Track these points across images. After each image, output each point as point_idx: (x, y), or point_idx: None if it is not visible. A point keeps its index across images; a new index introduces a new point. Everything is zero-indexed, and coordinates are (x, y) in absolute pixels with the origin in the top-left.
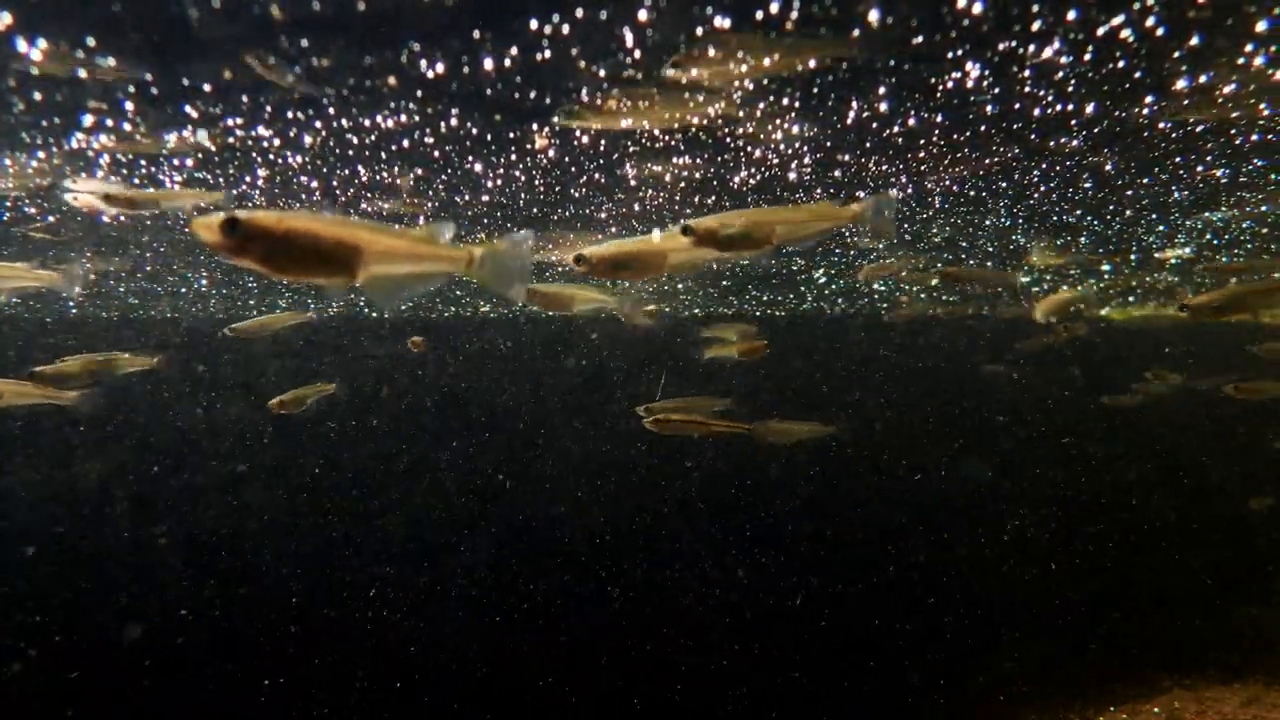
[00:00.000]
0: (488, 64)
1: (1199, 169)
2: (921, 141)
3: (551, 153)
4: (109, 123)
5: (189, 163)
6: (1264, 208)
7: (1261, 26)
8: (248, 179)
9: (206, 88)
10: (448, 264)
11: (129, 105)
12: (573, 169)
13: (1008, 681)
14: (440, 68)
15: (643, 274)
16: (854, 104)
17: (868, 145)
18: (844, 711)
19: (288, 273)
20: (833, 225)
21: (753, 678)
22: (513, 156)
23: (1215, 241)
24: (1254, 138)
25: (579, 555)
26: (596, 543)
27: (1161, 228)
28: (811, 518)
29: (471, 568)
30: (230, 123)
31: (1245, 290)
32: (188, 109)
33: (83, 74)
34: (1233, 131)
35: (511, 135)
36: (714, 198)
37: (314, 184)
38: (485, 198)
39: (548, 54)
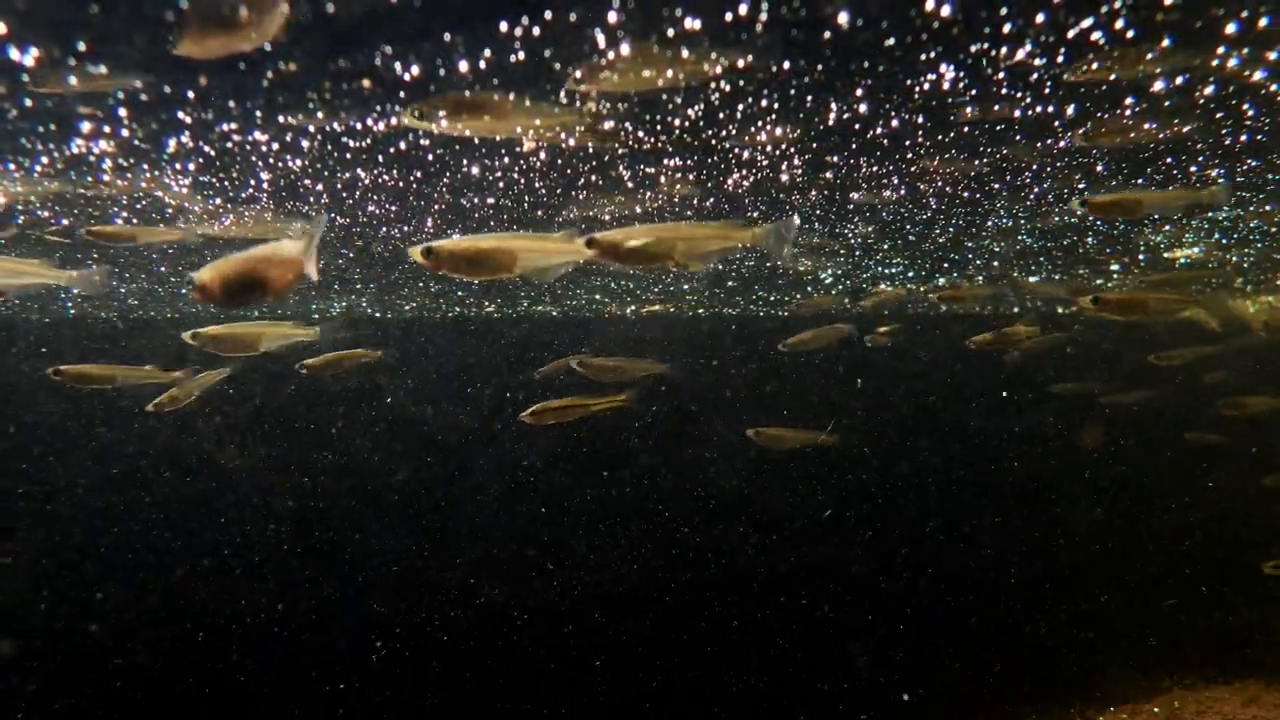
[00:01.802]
0: (463, 66)
1: (1192, 169)
2: (907, 143)
3: (543, 155)
4: (106, 129)
5: (191, 166)
6: (1268, 207)
7: (1231, 29)
8: (252, 183)
9: (190, 94)
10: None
11: (122, 112)
12: (568, 171)
13: (1008, 681)
14: (415, 70)
15: (493, 273)
16: (833, 106)
17: (854, 146)
18: (843, 710)
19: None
20: (733, 245)
21: (751, 677)
22: (506, 160)
23: (1224, 241)
24: (1243, 138)
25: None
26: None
27: (1168, 227)
28: (805, 513)
29: None
30: (224, 128)
31: (1145, 296)
32: (180, 114)
33: (74, 81)
34: (1223, 132)
35: (499, 138)
36: (711, 200)
37: (319, 187)
38: (491, 200)
39: (520, 56)
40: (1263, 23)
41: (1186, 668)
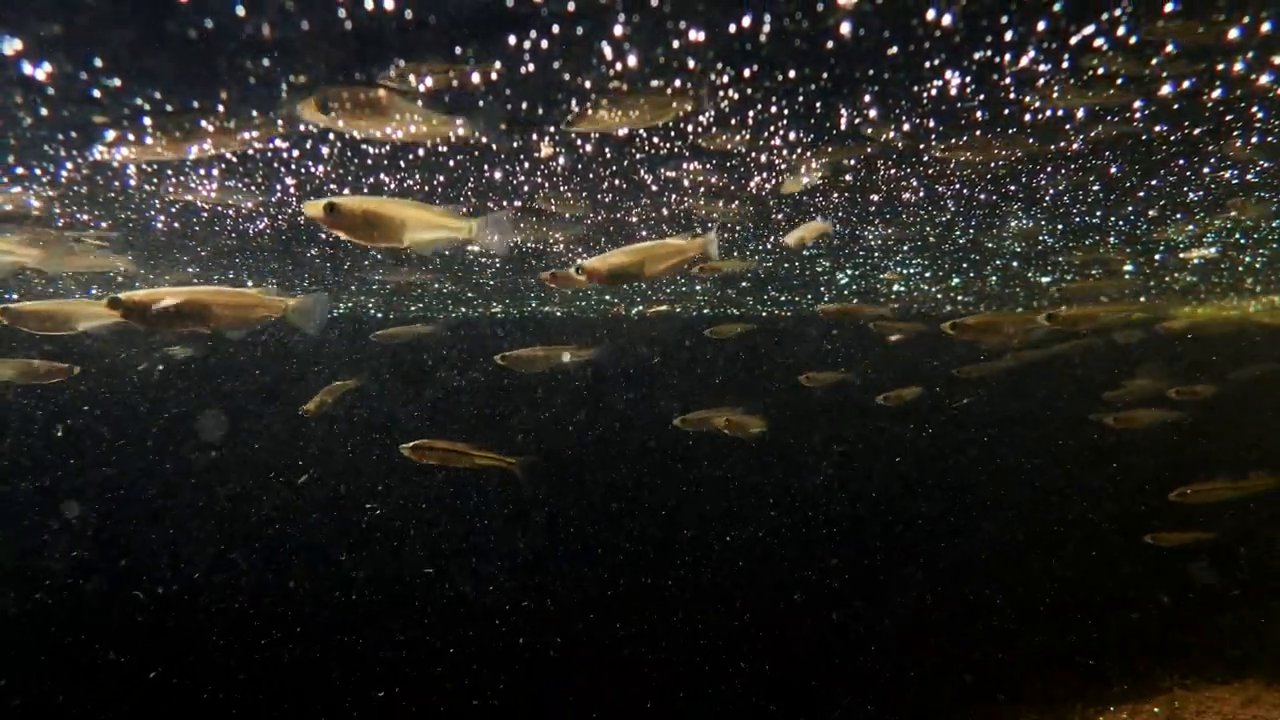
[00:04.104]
0: (474, 78)
1: (1205, 171)
2: (921, 146)
3: (562, 160)
4: (130, 137)
5: (215, 172)
6: None
7: (1234, 34)
8: (279, 188)
9: (220, 107)
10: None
11: (147, 121)
12: (590, 176)
13: (1008, 681)
14: (429, 81)
15: (385, 239)
16: (843, 111)
17: (869, 150)
18: (843, 710)
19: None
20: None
21: (753, 676)
22: (526, 165)
23: (1243, 241)
24: (1254, 140)
25: None
26: None
27: (1190, 228)
28: (808, 511)
29: None
30: (246, 136)
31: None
32: (203, 124)
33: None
34: (1234, 134)
35: (516, 145)
36: (737, 203)
37: (345, 191)
38: (518, 203)
39: (530, 68)
40: (1265, 28)
41: (1186, 668)
